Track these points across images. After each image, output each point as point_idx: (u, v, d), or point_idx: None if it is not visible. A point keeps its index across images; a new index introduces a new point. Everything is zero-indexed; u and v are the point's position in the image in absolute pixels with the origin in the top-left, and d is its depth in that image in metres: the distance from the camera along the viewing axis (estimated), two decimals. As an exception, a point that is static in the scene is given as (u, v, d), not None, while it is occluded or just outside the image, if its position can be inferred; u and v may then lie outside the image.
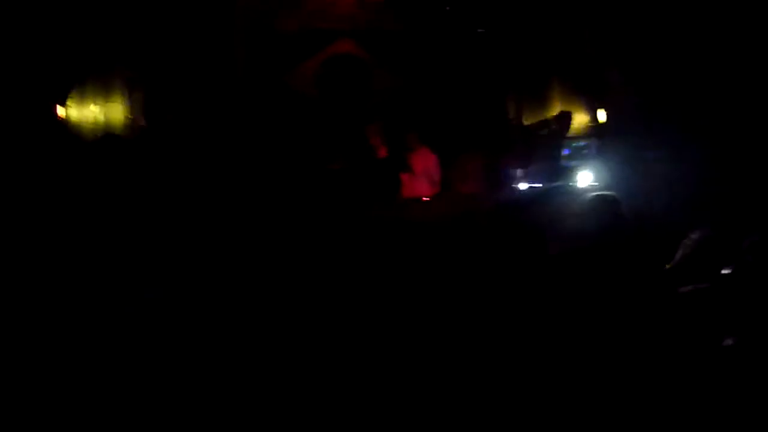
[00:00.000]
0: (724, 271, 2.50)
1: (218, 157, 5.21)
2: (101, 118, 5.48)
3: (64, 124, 5.14)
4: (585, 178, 4.65)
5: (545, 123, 5.21)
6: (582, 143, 5.04)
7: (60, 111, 5.16)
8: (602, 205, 3.31)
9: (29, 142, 4.61)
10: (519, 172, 4.85)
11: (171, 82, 5.61)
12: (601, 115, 5.30)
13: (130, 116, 5.55)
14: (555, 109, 5.34)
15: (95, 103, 5.41)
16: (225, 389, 2.34)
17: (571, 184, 4.61)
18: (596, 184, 4.76)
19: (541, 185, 4.70)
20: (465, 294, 3.25)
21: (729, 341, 2.27)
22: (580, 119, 5.33)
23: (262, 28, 6.18)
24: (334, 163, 5.25)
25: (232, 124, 5.66)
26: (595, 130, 5.24)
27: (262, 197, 4.72)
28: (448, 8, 5.94)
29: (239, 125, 5.70)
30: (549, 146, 5.02)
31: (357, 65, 6.26)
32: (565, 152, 5.08)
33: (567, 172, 4.83)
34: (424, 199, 4.97)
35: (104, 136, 5.09)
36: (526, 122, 5.54)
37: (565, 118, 5.13)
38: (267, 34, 6.20)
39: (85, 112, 5.37)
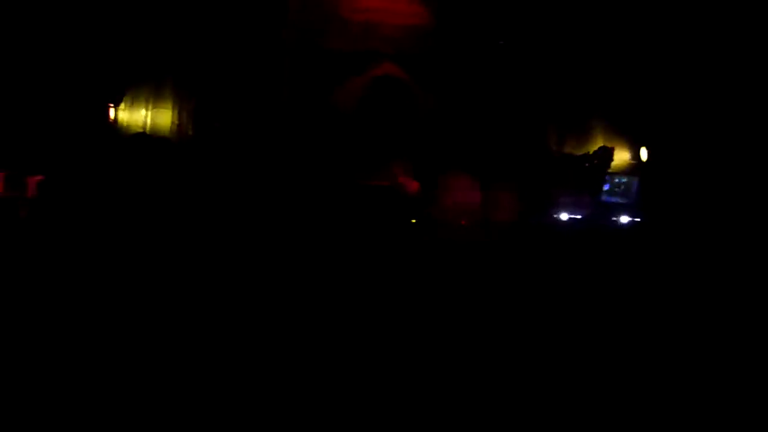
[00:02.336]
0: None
1: (257, 165, 5.31)
2: (149, 122, 5.66)
3: (115, 126, 5.31)
4: (626, 214, 4.67)
5: (587, 157, 5.23)
6: (623, 179, 5.05)
7: (112, 114, 5.34)
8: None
9: (82, 140, 4.76)
10: (560, 202, 4.87)
11: (219, 93, 5.75)
12: (643, 154, 5.33)
13: (177, 122, 5.71)
14: (597, 144, 5.37)
15: (146, 108, 5.59)
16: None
17: (613, 219, 4.62)
18: (637, 220, 4.77)
19: (580, 217, 4.72)
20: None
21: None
22: (621, 156, 5.36)
23: (310, 45, 6.31)
24: (375, 179, 5.32)
25: (275, 135, 5.77)
26: (635, 167, 5.26)
27: (299, 207, 4.78)
28: (501, 42, 6.02)
29: (282, 137, 5.81)
30: (589, 179, 5.04)
31: (400, 87, 6.35)
32: (605, 187, 5.09)
33: (607, 207, 4.84)
34: (462, 222, 4.99)
35: (134, 135, 5.24)
36: (567, 154, 5.56)
37: (608, 152, 5.15)
38: (314, 51, 6.32)
39: (135, 116, 5.54)
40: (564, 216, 4.76)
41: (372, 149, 6.00)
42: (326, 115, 6.20)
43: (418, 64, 6.33)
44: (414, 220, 5.06)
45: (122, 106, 5.40)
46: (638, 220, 4.58)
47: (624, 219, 4.68)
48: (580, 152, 5.39)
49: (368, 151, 5.97)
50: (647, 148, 5.21)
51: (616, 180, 5.01)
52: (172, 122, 5.62)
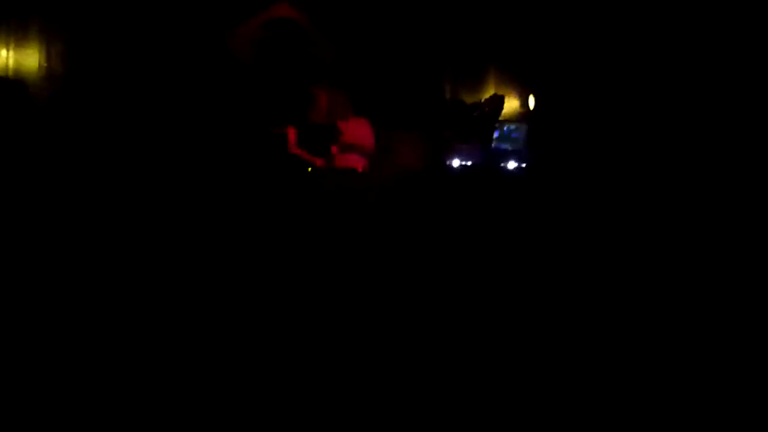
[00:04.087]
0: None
1: (140, 114, 4.96)
2: (11, 64, 5.09)
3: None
4: (514, 161, 4.85)
5: (478, 105, 5.34)
6: (512, 127, 5.21)
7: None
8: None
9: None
10: (453, 149, 4.96)
11: (94, 32, 5.26)
12: (531, 102, 5.53)
13: (45, 65, 5.17)
14: (490, 91, 5.49)
15: (6, 48, 5.01)
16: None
17: (501, 165, 4.79)
18: (523, 166, 4.97)
19: (471, 163, 4.84)
20: (393, 267, 3.31)
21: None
22: (511, 104, 5.52)
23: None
24: (277, 127, 5.13)
25: (158, 81, 5.40)
26: (525, 115, 5.46)
27: (193, 161, 4.55)
28: None
29: (167, 84, 5.45)
30: (481, 127, 5.15)
31: (296, 31, 6.12)
32: (495, 134, 5.23)
33: (498, 153, 5.00)
34: (358, 170, 4.97)
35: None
36: (459, 102, 5.65)
37: (498, 100, 5.28)
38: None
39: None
40: (456, 162, 4.86)
41: (271, 96, 5.78)
42: (218, 60, 5.88)
43: (316, 6, 6.11)
44: (310, 168, 4.97)
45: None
46: (524, 165, 4.77)
47: (512, 165, 4.85)
48: (472, 100, 5.49)
49: (267, 99, 5.75)
50: (535, 96, 5.39)
51: (506, 127, 5.16)
52: (40, 64, 5.09)
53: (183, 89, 5.50)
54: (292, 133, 5.02)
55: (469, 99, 5.59)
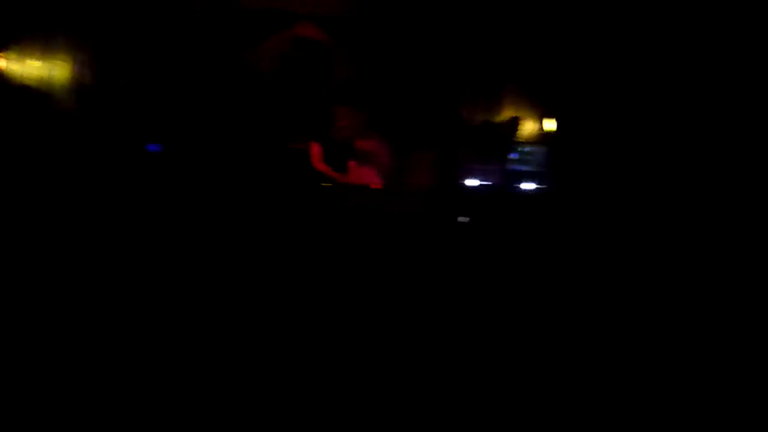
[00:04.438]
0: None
1: (166, 128, 5.07)
2: (46, 75, 5.23)
3: (5, 76, 4.87)
4: (533, 182, 4.85)
5: (497, 125, 5.36)
6: (530, 149, 5.21)
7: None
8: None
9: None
10: (470, 169, 4.98)
11: (123, 46, 5.41)
12: (551, 125, 5.52)
13: (76, 76, 5.32)
14: (508, 112, 5.50)
15: (40, 60, 5.16)
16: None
17: (519, 186, 4.79)
18: (543, 188, 4.95)
19: (489, 184, 4.85)
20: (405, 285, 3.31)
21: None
22: (530, 125, 5.52)
23: (225, 1, 6.06)
24: (300, 142, 5.22)
25: (184, 94, 5.52)
26: (543, 137, 5.44)
27: (215, 174, 4.63)
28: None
29: (192, 98, 5.57)
30: (498, 147, 5.17)
31: (318, 50, 6.24)
32: (512, 156, 5.24)
33: (515, 175, 5.00)
34: (372, 186, 5.01)
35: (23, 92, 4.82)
36: (478, 122, 5.68)
37: (515, 122, 5.29)
38: (229, 8, 6.08)
39: (27, 68, 5.10)
40: (473, 182, 4.87)
41: (291, 112, 5.88)
42: (241, 76, 6.01)
43: (338, 26, 6.23)
44: (329, 184, 5.03)
45: (8, 55, 4.96)
46: (542, 187, 4.76)
47: (530, 186, 4.84)
48: (491, 120, 5.51)
49: (287, 115, 5.85)
50: (555, 119, 5.38)
51: (524, 149, 5.17)
52: (69, 76, 5.24)
53: (208, 103, 5.62)
54: (316, 149, 5.10)
55: (486, 119, 5.61)
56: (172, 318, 2.91)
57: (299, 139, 5.31)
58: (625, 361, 2.65)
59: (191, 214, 3.97)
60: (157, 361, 2.53)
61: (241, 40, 6.08)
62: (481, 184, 4.93)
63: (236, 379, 2.50)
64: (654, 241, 3.82)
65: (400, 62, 6.04)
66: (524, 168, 5.13)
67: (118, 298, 3.04)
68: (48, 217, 3.46)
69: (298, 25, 6.21)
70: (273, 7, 6.11)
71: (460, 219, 4.07)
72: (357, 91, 5.97)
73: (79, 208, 3.65)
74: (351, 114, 5.20)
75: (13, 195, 3.48)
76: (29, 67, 5.10)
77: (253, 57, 6.12)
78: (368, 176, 5.04)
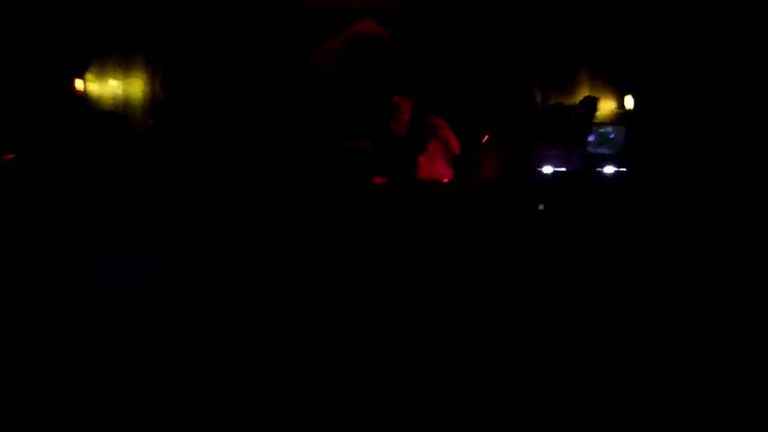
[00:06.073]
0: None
1: (236, 134, 5.15)
2: (120, 92, 5.46)
3: (83, 98, 5.11)
4: (612, 165, 4.54)
5: (572, 108, 5.07)
6: (609, 129, 4.90)
7: (78, 85, 5.13)
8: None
9: (46, 115, 4.58)
10: (544, 155, 4.74)
11: (192, 60, 5.56)
12: (629, 102, 5.17)
13: (149, 93, 5.52)
14: (582, 94, 5.21)
15: (114, 78, 5.38)
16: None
17: (597, 170, 4.50)
18: (623, 170, 4.65)
19: (565, 169, 4.59)
20: (480, 280, 3.17)
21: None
22: (607, 105, 5.20)
23: (283, 5, 6.10)
24: (355, 140, 5.17)
25: (253, 101, 5.61)
26: (622, 117, 5.11)
27: (280, 176, 4.65)
28: None
29: (259, 102, 5.65)
30: (574, 131, 4.89)
31: (379, 45, 6.16)
32: (590, 138, 4.94)
33: (594, 158, 4.71)
34: (444, 181, 4.87)
35: (104, 114, 5.02)
36: (552, 106, 5.41)
37: (592, 102, 4.99)
38: (288, 11, 6.12)
39: (105, 87, 5.34)
40: (548, 169, 4.63)
41: (353, 110, 5.84)
42: (304, 77, 6.03)
43: (398, 20, 6.13)
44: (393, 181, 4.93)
45: (89, 76, 5.20)
46: (624, 170, 4.46)
47: (610, 170, 4.55)
48: (565, 103, 5.24)
49: (349, 113, 5.81)
50: (633, 97, 5.04)
51: (602, 130, 4.86)
52: (144, 92, 5.44)
53: (274, 110, 5.68)
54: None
55: (561, 103, 5.33)
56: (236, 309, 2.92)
57: (355, 137, 5.25)
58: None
59: (262, 213, 4.00)
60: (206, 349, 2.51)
61: (304, 42, 6.10)
62: (558, 171, 4.68)
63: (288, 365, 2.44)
64: (743, 225, 3.48)
65: (465, 49, 5.86)
66: (604, 150, 4.83)
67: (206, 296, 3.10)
68: (125, 224, 3.58)
69: (357, 22, 6.18)
70: (334, 7, 6.10)
71: (540, 207, 3.87)
72: (418, 83, 5.86)
73: (156, 215, 3.75)
74: (413, 105, 5.09)
75: (93, 205, 3.63)
76: (107, 87, 5.34)
77: (316, 57, 6.14)
78: (439, 170, 4.91)
